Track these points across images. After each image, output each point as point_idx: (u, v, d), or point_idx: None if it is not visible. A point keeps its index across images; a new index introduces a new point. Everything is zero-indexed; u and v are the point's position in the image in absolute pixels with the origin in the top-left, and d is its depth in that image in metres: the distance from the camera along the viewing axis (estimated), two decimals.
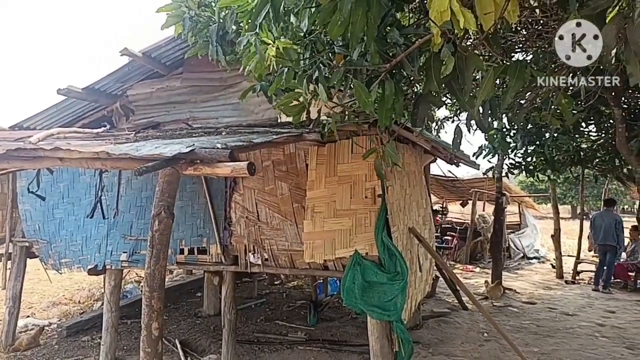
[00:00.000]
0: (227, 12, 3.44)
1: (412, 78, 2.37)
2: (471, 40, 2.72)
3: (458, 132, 3.50)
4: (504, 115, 5.51)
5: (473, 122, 3.02)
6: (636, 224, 9.66)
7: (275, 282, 9.36)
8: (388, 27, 2.25)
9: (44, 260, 5.78)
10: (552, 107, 4.07)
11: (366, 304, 4.32)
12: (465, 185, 14.05)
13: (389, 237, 4.42)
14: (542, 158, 8.81)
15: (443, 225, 14.86)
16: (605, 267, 9.19)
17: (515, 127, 7.90)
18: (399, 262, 4.36)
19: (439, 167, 13.52)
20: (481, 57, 3.22)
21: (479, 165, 8.49)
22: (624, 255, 9.88)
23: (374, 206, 4.57)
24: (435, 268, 6.96)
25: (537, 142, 8.88)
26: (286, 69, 2.28)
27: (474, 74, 2.44)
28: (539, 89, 3.75)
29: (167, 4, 3.43)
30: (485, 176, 10.93)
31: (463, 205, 15.25)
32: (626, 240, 9.81)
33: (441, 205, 16.27)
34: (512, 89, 2.17)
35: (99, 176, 5.40)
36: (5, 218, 6.18)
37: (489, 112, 3.11)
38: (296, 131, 3.76)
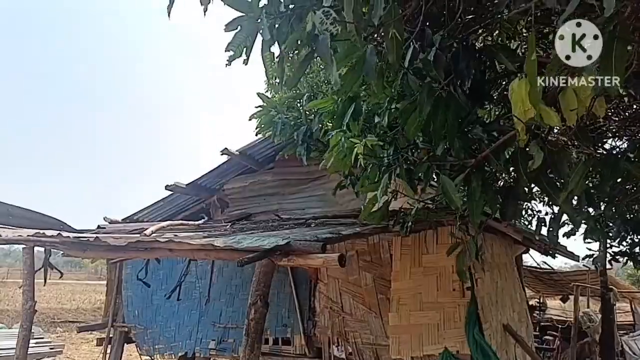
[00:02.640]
0: (313, 113, 3.80)
1: (498, 172, 2.41)
2: (556, 132, 2.74)
3: (555, 226, 3.38)
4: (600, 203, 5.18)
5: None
6: None
7: None
8: (471, 125, 2.36)
9: (140, 346, 6.09)
10: None
11: None
12: (564, 279, 12.87)
13: (481, 334, 4.16)
14: None
15: (542, 323, 13.47)
16: None
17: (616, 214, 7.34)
18: None
19: (532, 258, 12.59)
20: (570, 148, 3.20)
21: (578, 257, 7.84)
22: None
23: (462, 299, 4.39)
24: None
25: None
26: (371, 165, 2.45)
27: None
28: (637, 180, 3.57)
29: (257, 111, 3.88)
30: (587, 268, 10.01)
31: (563, 300, 13.84)
32: None
33: (538, 301, 14.89)
34: (607, 183, 2.14)
35: (186, 263, 5.79)
36: (110, 303, 6.70)
37: (585, 204, 3.01)
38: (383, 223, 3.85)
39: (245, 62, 1.86)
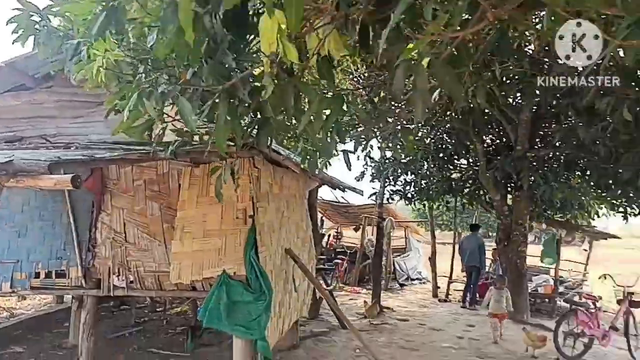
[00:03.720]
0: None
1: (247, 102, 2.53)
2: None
3: (313, 156, 3.77)
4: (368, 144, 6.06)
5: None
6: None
7: (158, 309, 8.95)
8: (223, 53, 2.41)
9: None
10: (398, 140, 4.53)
11: (230, 324, 4.35)
12: (357, 211, 14.73)
13: (257, 257, 4.53)
14: (418, 187, 9.66)
15: (338, 250, 15.40)
16: (471, 286, 10.16)
17: (391, 157, 8.63)
18: (264, 281, 4.47)
19: (333, 193, 14.06)
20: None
21: (362, 191, 9.02)
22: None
23: (244, 227, 4.67)
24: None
25: (414, 173, 9.74)
26: (123, 83, 2.34)
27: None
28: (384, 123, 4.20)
29: (16, 14, 3.28)
30: (373, 202, 11.63)
31: (356, 230, 15.94)
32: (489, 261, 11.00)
33: (336, 230, 16.86)
34: (332, 117, 2.45)
35: None
36: None
37: (336, 139, 3.42)
38: (149, 148, 3.77)
39: None
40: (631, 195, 7.13)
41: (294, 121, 3.28)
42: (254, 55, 2.67)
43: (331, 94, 2.56)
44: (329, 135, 3.32)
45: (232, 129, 2.50)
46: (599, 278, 7.59)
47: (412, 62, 2.08)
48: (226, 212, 4.71)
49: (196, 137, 3.47)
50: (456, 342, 7.15)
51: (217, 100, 2.35)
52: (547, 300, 10.09)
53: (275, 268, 5.19)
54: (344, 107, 2.54)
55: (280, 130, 2.90)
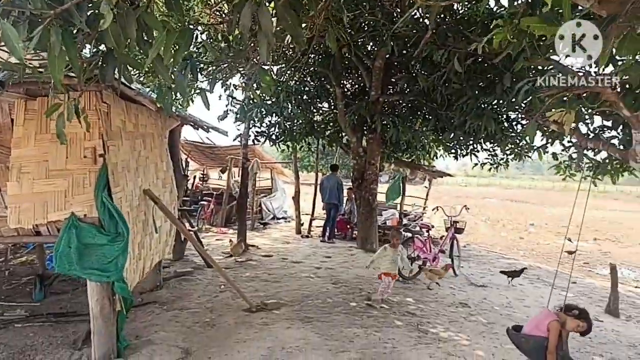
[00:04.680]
0: None
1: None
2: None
3: (168, 95, 3.66)
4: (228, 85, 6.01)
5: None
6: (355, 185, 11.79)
7: None
8: None
9: None
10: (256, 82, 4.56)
11: (83, 268, 4.18)
12: (224, 152, 14.61)
13: (110, 198, 4.35)
14: (282, 129, 9.90)
15: (204, 191, 15.24)
16: (330, 222, 11.04)
17: (254, 98, 8.65)
18: (120, 222, 4.34)
19: (198, 135, 13.68)
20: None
21: (226, 132, 8.98)
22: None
23: (94, 166, 4.39)
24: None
25: (278, 114, 9.93)
26: None
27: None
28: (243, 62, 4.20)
29: None
30: (240, 144, 11.64)
31: (223, 171, 15.89)
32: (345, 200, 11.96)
33: (202, 172, 16.59)
34: (180, 52, 2.43)
35: None
36: None
37: (190, 74, 3.36)
38: None
39: None
40: (461, 138, 8.29)
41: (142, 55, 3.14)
42: None
43: (180, 27, 2.51)
44: (182, 71, 3.26)
45: (69, 60, 2.33)
46: (432, 210, 8.85)
47: (257, 3, 2.15)
48: (72, 151, 4.35)
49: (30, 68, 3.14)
50: (314, 271, 7.84)
51: (49, 28, 2.15)
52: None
53: (133, 209, 5.04)
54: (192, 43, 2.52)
55: (127, 64, 2.76)
